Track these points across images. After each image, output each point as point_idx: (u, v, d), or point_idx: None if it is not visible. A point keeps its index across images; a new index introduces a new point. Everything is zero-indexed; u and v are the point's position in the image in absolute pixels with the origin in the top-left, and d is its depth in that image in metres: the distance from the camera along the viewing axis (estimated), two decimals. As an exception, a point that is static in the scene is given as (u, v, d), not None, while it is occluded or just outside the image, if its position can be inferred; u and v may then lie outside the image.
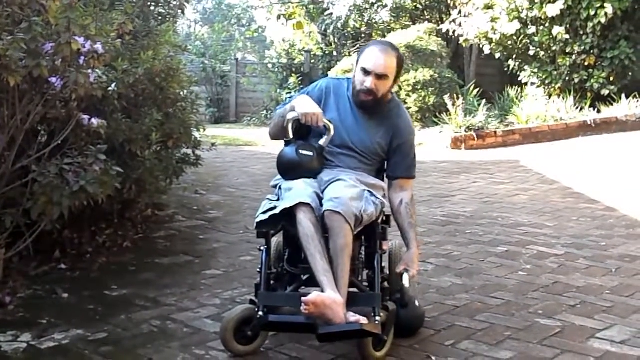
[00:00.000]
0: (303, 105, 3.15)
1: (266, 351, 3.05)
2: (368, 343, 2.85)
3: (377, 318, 2.84)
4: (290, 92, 13.05)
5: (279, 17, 15.79)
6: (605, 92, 10.60)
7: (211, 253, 4.67)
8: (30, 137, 3.52)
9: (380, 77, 3.16)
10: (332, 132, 3.16)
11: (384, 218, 3.25)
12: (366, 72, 3.17)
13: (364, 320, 2.76)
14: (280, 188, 3.10)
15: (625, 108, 10.42)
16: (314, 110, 3.13)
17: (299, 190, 2.96)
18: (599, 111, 10.53)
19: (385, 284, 3.18)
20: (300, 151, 3.13)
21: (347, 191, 2.95)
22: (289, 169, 3.14)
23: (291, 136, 3.17)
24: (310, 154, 3.13)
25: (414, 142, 3.39)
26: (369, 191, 3.06)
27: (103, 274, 4.13)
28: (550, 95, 11.04)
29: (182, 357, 3.00)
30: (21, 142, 3.39)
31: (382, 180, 3.37)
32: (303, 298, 2.74)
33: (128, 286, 3.93)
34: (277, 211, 2.93)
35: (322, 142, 3.18)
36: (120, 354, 3.04)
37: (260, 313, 2.89)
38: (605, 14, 10.09)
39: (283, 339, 3.15)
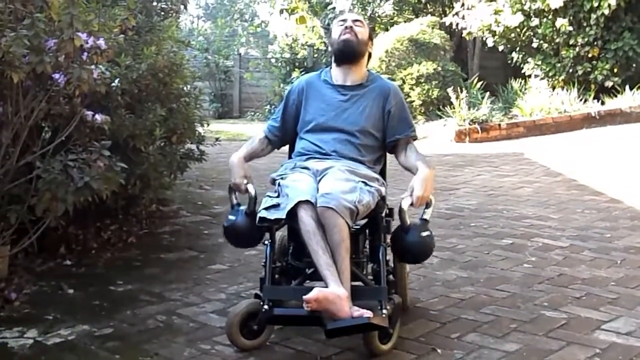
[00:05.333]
0: (231, 175, 3.30)
1: (272, 345, 3.05)
2: (374, 336, 2.86)
3: (384, 311, 2.84)
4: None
5: (281, 11, 15.76)
6: (609, 83, 10.57)
7: (216, 248, 4.67)
8: (34, 134, 3.52)
9: (356, 22, 3.36)
10: (254, 196, 3.21)
11: (387, 211, 3.24)
12: (343, 21, 3.39)
13: (369, 313, 2.76)
14: (279, 184, 3.10)
15: (629, 99, 10.39)
16: (234, 181, 3.27)
17: (298, 189, 2.96)
18: (602, 103, 10.50)
19: (391, 277, 3.18)
20: (228, 216, 3.30)
21: (339, 185, 2.95)
22: (227, 236, 3.35)
23: (234, 202, 3.31)
24: (233, 217, 3.25)
25: (404, 104, 3.45)
26: (362, 181, 3.05)
27: (108, 270, 4.14)
28: (554, 88, 11.01)
29: (188, 351, 3.01)
30: (25, 139, 3.40)
31: (382, 171, 3.39)
32: (304, 296, 2.74)
33: (133, 281, 3.93)
34: (282, 215, 2.93)
35: (247, 209, 3.23)
36: (126, 349, 3.05)
37: (266, 307, 2.89)
38: (609, 5, 10.05)
39: (289, 333, 3.15)
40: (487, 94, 10.85)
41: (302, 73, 14.40)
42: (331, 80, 3.38)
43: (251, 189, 3.23)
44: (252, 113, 15.21)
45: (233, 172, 3.29)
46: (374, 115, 3.31)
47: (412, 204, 3.11)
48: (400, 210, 3.11)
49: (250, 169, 3.32)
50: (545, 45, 11.05)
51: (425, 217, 3.18)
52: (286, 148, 3.52)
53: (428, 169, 3.20)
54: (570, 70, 10.82)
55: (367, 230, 3.25)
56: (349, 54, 3.33)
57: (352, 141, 3.26)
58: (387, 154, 3.44)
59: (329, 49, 3.50)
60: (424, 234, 3.16)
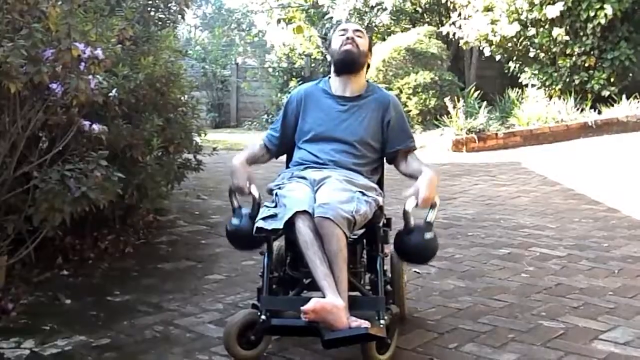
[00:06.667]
0: (232, 177, 3.24)
1: (269, 355, 3.04)
2: (372, 346, 2.85)
3: (382, 321, 2.83)
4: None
5: (279, 21, 15.82)
6: (605, 93, 10.61)
7: (213, 258, 4.67)
8: (31, 144, 3.52)
9: (356, 32, 3.34)
10: (257, 199, 3.17)
11: (385, 221, 3.24)
12: (343, 32, 3.36)
13: (367, 324, 2.75)
14: (276, 195, 3.09)
15: (625, 109, 10.43)
16: (237, 184, 3.21)
17: (295, 199, 2.95)
18: (599, 112, 10.53)
19: (388, 287, 3.17)
20: (231, 220, 3.25)
21: (337, 195, 2.94)
22: (230, 240, 3.31)
23: (235, 206, 3.26)
24: (237, 221, 3.22)
25: (404, 115, 3.45)
26: (359, 191, 3.04)
27: (105, 280, 4.13)
28: (550, 97, 11.05)
29: (185, 362, 3.00)
30: (22, 149, 3.39)
31: (380, 181, 3.39)
32: (302, 307, 2.73)
33: (130, 292, 3.92)
34: (280, 225, 2.92)
35: (251, 212, 3.19)
36: (123, 360, 3.04)
37: (263, 317, 2.88)
38: (605, 15, 10.10)
39: (286, 343, 3.14)
40: (484, 103, 10.88)
41: (300, 82, 14.44)
42: (330, 90, 3.37)
43: (255, 190, 3.19)
44: (250, 122, 15.22)
45: (236, 175, 3.24)
46: (372, 126, 3.31)
47: (416, 205, 3.09)
48: (405, 212, 3.09)
49: (252, 171, 3.27)
50: (542, 54, 11.08)
51: (429, 219, 3.15)
52: (283, 158, 3.52)
53: (432, 171, 3.19)
54: (567, 80, 10.86)
55: (364, 240, 3.24)
56: (349, 64, 3.32)
57: (350, 151, 3.25)
58: (386, 164, 3.43)
59: (327, 58, 3.49)
60: (428, 235, 3.13)
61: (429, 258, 3.30)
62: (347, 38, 3.30)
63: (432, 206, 3.13)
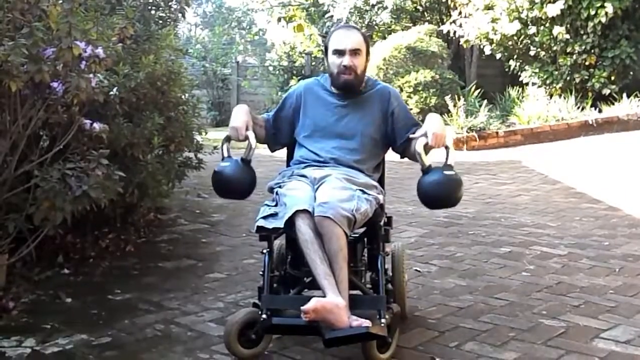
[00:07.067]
0: (232, 120, 3.21)
1: (270, 354, 3.04)
2: (373, 345, 2.85)
3: (382, 320, 2.83)
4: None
5: (279, 19, 15.82)
6: (606, 91, 10.59)
7: (214, 256, 4.67)
8: (32, 142, 3.52)
9: (354, 52, 3.24)
10: (253, 145, 3.15)
11: (386, 220, 3.24)
12: (340, 53, 3.25)
13: (368, 323, 2.75)
14: (277, 193, 3.09)
15: (626, 107, 10.41)
16: (234, 124, 3.18)
17: (296, 198, 2.95)
18: (600, 111, 10.51)
19: (389, 285, 3.17)
20: (221, 163, 3.20)
21: (336, 194, 2.94)
22: (214, 183, 3.25)
23: (225, 155, 3.22)
24: (227, 163, 3.18)
25: (406, 106, 3.44)
26: (360, 190, 3.04)
27: (106, 279, 4.13)
28: (551, 95, 11.03)
29: (186, 361, 3.00)
30: (23, 148, 3.40)
31: (381, 179, 3.38)
32: (302, 307, 2.73)
33: (131, 290, 3.93)
34: (280, 224, 2.92)
35: (244, 155, 3.19)
36: (124, 359, 3.04)
37: (264, 316, 2.88)
38: (606, 13, 10.08)
39: (287, 342, 3.14)
40: (485, 101, 10.86)
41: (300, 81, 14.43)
42: (330, 87, 3.37)
43: (251, 136, 3.16)
44: (250, 121, 15.20)
45: (235, 116, 3.20)
46: (375, 119, 3.30)
47: (427, 145, 3.05)
48: (417, 153, 3.04)
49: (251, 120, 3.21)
50: (543, 53, 11.07)
51: (449, 162, 3.07)
52: (284, 156, 3.52)
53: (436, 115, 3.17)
54: (568, 78, 10.84)
55: (365, 239, 3.24)
56: (349, 91, 3.31)
57: (350, 148, 3.25)
58: (386, 160, 3.42)
59: (325, 62, 3.45)
60: (448, 172, 3.06)
61: (454, 195, 3.18)
62: (345, 67, 3.23)
63: (446, 149, 3.08)
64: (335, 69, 3.27)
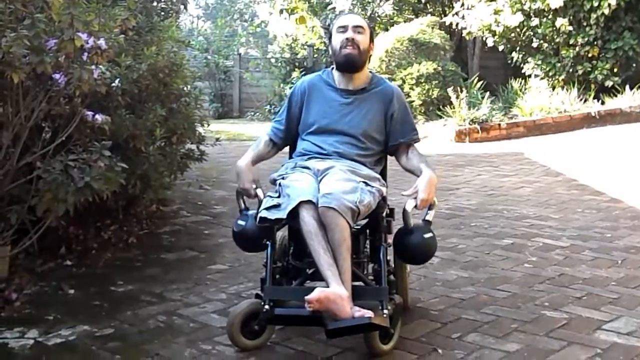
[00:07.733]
0: (238, 179, 3.26)
1: (273, 345, 3.04)
2: (375, 336, 2.85)
3: (385, 311, 2.84)
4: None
5: (281, 11, 15.75)
6: (609, 83, 10.58)
7: (216, 248, 4.67)
8: (34, 134, 3.52)
9: (357, 28, 3.28)
10: (263, 200, 3.15)
11: (388, 211, 3.24)
12: (343, 29, 3.30)
13: (370, 313, 2.76)
14: (280, 185, 3.10)
15: (629, 99, 10.40)
16: (242, 187, 3.24)
17: (299, 189, 2.96)
18: (603, 103, 10.50)
19: (392, 277, 3.18)
20: (237, 221, 3.27)
21: (340, 185, 2.94)
22: (236, 241, 3.33)
23: (242, 207, 3.30)
24: (243, 223, 3.23)
25: (407, 107, 3.45)
26: (363, 182, 3.05)
27: (109, 270, 4.14)
28: (554, 87, 11.02)
29: (188, 352, 3.00)
30: (25, 139, 3.39)
31: (383, 172, 3.38)
32: (306, 297, 2.73)
33: (134, 282, 3.93)
34: (283, 215, 2.93)
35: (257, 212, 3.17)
36: (126, 350, 3.04)
37: (267, 307, 2.89)
38: (609, 5, 10.06)
39: (290, 333, 3.15)
40: (487, 93, 10.86)
41: (302, 73, 14.43)
42: (334, 83, 3.37)
43: (260, 193, 3.20)
44: (252, 113, 15.19)
45: (241, 177, 3.26)
46: (376, 119, 3.31)
47: (415, 207, 3.12)
48: (404, 212, 3.12)
49: (257, 173, 3.29)
50: (545, 45, 11.05)
51: (428, 218, 3.20)
52: (286, 148, 3.52)
53: (432, 172, 3.21)
54: (570, 70, 10.82)
55: (367, 230, 3.24)
56: (351, 66, 3.31)
57: (353, 143, 3.25)
58: (388, 155, 3.43)
59: (329, 49, 3.46)
60: (427, 235, 3.18)
61: (428, 258, 3.34)
62: (347, 39, 3.26)
63: (431, 206, 3.18)
64: (338, 45, 3.29)
